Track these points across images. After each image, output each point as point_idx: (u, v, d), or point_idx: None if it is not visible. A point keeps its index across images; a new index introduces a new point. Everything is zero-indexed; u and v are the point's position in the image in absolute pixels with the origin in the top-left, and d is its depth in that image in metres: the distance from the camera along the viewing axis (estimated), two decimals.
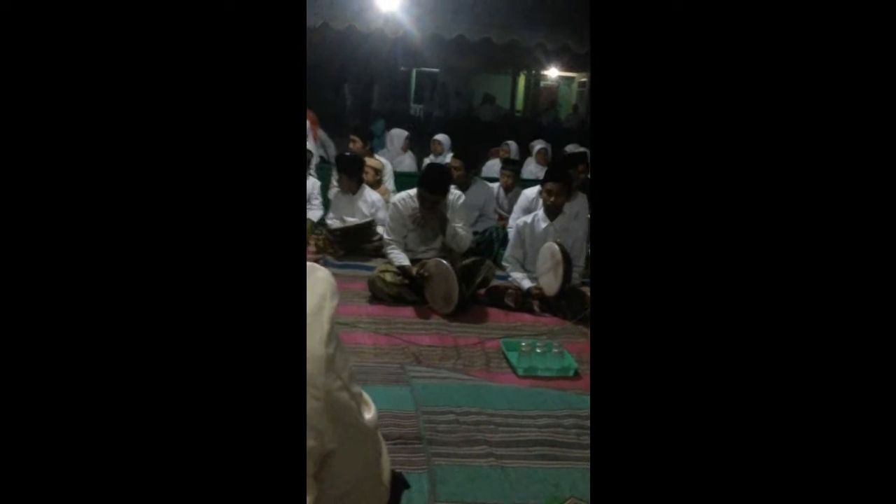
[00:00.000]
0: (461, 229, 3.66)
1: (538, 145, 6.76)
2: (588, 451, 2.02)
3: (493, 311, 3.48)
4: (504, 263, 3.84)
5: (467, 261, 3.59)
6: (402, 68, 12.65)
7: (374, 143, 5.77)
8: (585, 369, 2.72)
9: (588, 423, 2.21)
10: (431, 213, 3.61)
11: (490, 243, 4.32)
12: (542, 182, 3.84)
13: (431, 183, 3.55)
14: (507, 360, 2.79)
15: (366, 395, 1.02)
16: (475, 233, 4.28)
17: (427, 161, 5.87)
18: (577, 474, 1.90)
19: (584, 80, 13.52)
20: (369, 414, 0.98)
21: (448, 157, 5.52)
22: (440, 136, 6.56)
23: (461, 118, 11.01)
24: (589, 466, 1.91)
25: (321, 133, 6.38)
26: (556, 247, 3.41)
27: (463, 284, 3.36)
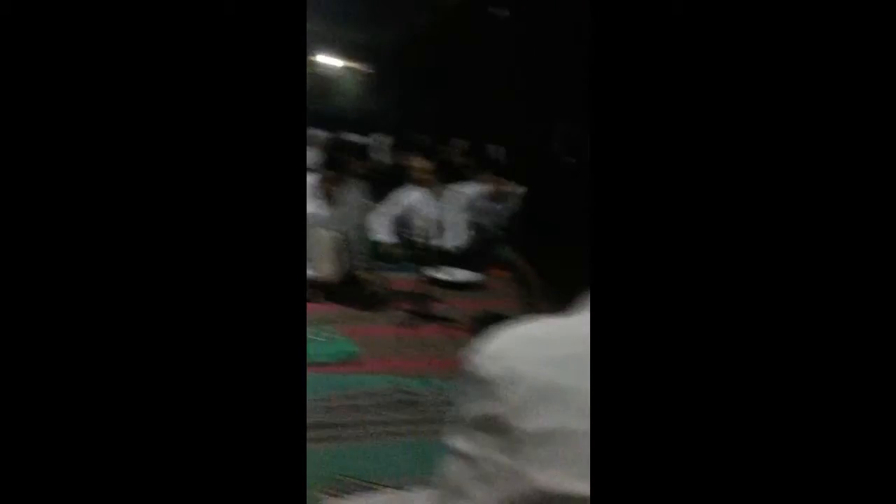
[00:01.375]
0: None
1: (322, 135, 6.72)
2: (358, 430, 2.08)
3: None
4: None
5: None
6: None
7: None
8: (364, 353, 2.78)
9: (359, 402, 2.29)
10: None
11: None
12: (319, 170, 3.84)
13: None
14: None
15: None
16: None
17: None
18: (346, 452, 1.94)
19: (366, 70, 13.63)
20: None
21: None
22: None
23: None
24: (360, 445, 1.94)
25: None
26: (334, 234, 3.44)
27: None
